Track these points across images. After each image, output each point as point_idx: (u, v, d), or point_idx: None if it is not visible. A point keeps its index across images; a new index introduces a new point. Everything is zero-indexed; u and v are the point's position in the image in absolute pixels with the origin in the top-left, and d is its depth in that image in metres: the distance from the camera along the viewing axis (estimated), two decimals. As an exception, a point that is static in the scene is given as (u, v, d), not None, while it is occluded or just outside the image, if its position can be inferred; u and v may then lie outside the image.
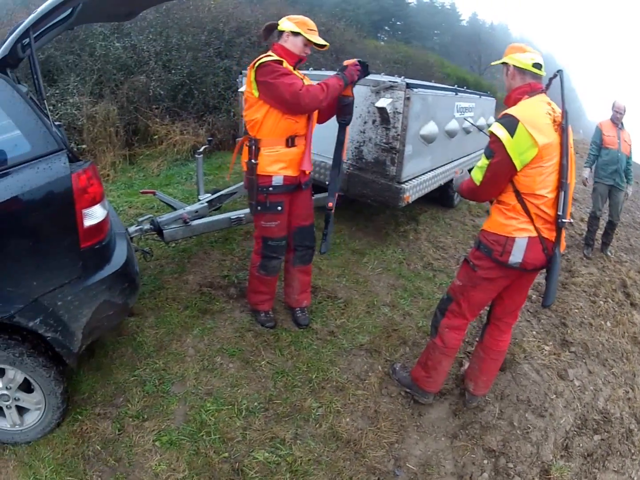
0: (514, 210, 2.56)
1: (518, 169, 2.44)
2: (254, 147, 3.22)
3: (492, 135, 2.49)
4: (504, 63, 2.66)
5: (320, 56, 12.15)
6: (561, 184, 2.49)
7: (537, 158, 2.42)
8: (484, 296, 2.87)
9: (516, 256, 2.57)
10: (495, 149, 2.47)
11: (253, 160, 3.23)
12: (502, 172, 2.50)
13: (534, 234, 2.55)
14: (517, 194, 2.53)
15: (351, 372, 3.48)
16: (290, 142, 3.27)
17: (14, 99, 2.23)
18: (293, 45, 3.22)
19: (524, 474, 2.87)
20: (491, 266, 2.69)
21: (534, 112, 2.48)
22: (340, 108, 3.44)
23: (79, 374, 3.19)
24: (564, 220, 2.49)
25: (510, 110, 2.49)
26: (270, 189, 3.29)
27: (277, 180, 3.28)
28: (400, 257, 5.40)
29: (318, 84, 3.12)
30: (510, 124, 2.41)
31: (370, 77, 5.27)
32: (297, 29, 3.18)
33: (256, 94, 3.11)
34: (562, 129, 2.49)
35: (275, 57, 3.11)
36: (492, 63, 2.83)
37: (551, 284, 2.63)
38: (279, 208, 3.38)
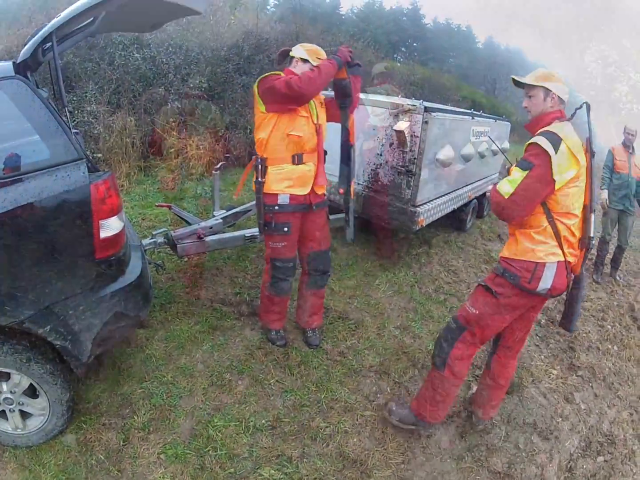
0: (543, 233, 2.50)
1: (557, 187, 2.38)
2: (260, 166, 3.25)
3: (536, 146, 2.40)
4: (543, 87, 2.55)
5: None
6: (590, 206, 2.50)
7: (575, 177, 2.40)
8: (501, 323, 2.77)
9: (546, 282, 2.52)
10: (535, 160, 2.38)
11: (260, 179, 3.26)
12: (538, 187, 2.39)
13: (562, 258, 2.52)
14: (549, 215, 2.47)
15: (360, 393, 3.46)
16: (297, 159, 3.29)
17: (34, 103, 2.23)
18: (301, 71, 3.25)
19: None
20: (514, 293, 2.62)
21: (571, 134, 2.45)
22: (337, 91, 3.44)
23: (85, 382, 3.18)
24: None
25: (551, 128, 2.44)
26: (276, 207, 3.30)
27: (283, 199, 3.29)
28: (412, 280, 5.38)
29: (310, 69, 3.18)
30: (554, 140, 2.36)
31: (388, 99, 5.31)
32: (306, 56, 3.26)
33: (262, 108, 3.17)
34: (588, 153, 2.49)
35: (275, 72, 3.20)
36: (528, 81, 2.60)
37: (577, 307, 2.65)
38: (285, 229, 3.36)
